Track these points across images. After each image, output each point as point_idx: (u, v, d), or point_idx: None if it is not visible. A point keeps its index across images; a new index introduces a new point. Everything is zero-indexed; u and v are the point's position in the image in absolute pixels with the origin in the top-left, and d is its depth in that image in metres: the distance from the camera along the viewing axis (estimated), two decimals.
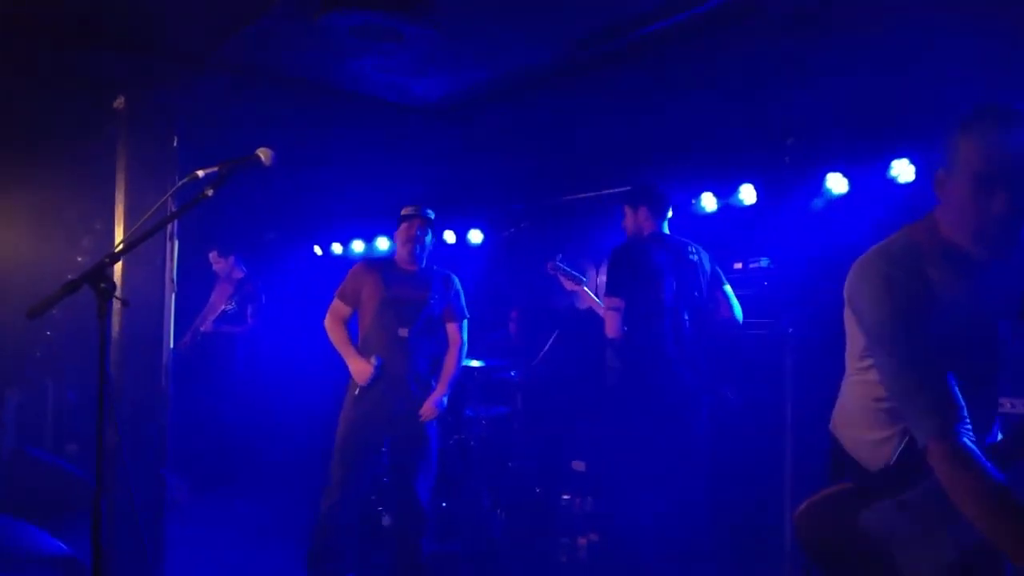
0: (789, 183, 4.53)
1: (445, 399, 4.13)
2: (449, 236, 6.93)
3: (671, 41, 3.31)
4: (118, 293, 2.11)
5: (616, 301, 3.93)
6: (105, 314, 2.08)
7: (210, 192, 2.20)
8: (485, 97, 4.20)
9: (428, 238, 4.15)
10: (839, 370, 1.94)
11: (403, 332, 3.98)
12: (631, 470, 3.97)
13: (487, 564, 4.95)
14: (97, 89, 4.14)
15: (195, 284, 6.07)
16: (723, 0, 2.95)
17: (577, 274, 4.62)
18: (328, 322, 4.13)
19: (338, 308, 4.13)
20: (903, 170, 4.13)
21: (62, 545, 3.74)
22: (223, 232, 6.54)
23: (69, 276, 6.16)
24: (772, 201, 4.57)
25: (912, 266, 1.70)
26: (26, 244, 6.87)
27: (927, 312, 1.66)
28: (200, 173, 2.24)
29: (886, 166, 4.19)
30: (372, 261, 4.27)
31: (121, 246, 2.13)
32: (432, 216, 4.15)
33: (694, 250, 4.02)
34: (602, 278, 5.87)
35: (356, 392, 4.01)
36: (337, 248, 8.17)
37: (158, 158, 4.13)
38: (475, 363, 5.37)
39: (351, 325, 4.18)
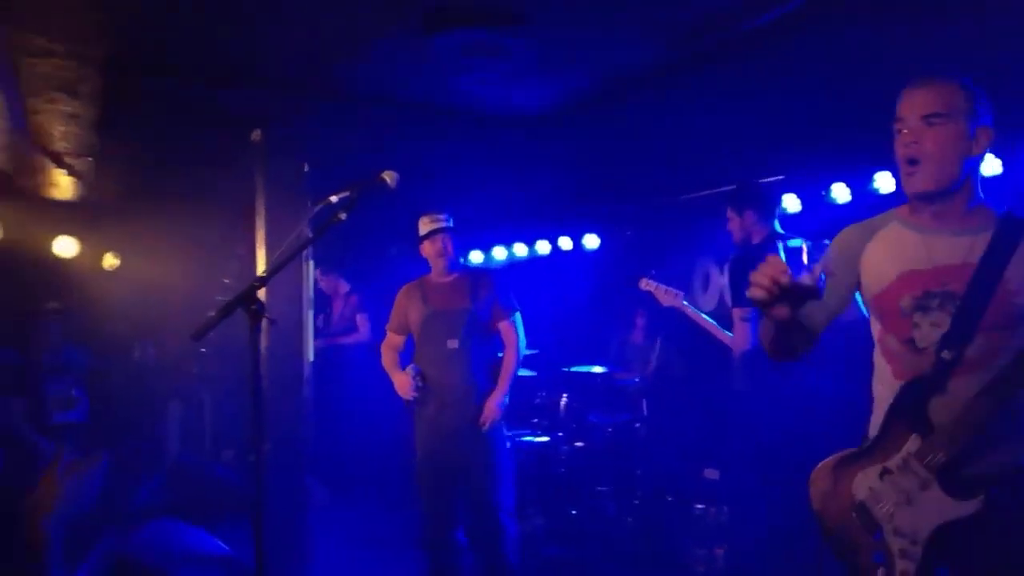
0: None
1: (506, 399, 3.91)
2: (564, 242, 6.98)
3: (782, 30, 3.23)
4: (267, 313, 2.29)
5: (746, 311, 3.82)
6: (256, 333, 2.26)
7: (343, 215, 2.35)
8: (588, 102, 4.25)
9: (458, 245, 4.01)
10: None
11: (452, 344, 3.83)
12: (762, 479, 3.86)
13: (617, 573, 4.93)
14: (236, 124, 4.50)
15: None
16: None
17: (673, 288, 4.50)
18: (382, 353, 4.11)
19: (390, 340, 4.11)
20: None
21: (223, 545, 4.06)
22: (348, 251, 6.88)
23: (217, 297, 6.65)
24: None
25: None
26: (179, 269, 7.50)
27: None
28: (333, 198, 2.40)
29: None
30: (409, 285, 4.11)
31: (267, 270, 2.31)
32: (451, 223, 3.93)
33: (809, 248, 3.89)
34: (724, 279, 5.76)
35: (418, 417, 3.94)
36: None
37: (291, 184, 4.44)
38: (597, 369, 5.39)
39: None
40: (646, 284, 4.52)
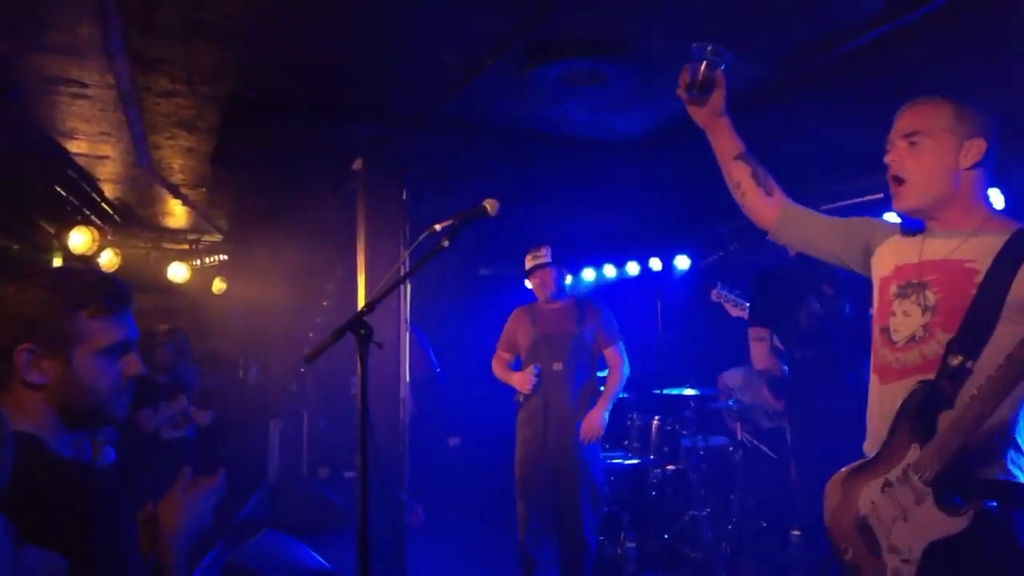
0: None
1: (606, 414, 4.17)
2: (655, 263, 6.95)
3: (884, 49, 3.16)
4: (374, 338, 2.39)
5: (759, 331, 3.91)
6: (365, 356, 2.36)
7: (446, 243, 2.44)
8: (684, 125, 4.21)
9: (562, 276, 4.33)
10: None
11: (557, 366, 4.14)
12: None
13: None
14: (339, 154, 4.71)
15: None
16: (927, 9, 2.78)
17: (742, 300, 4.53)
18: (493, 366, 4.47)
19: (500, 356, 4.48)
20: None
21: (323, 561, 4.21)
22: (440, 271, 7.05)
23: (317, 319, 6.92)
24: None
25: None
26: (285, 292, 7.87)
27: None
28: (437, 227, 2.48)
29: None
30: (519, 308, 4.48)
31: (374, 296, 2.41)
32: (550, 258, 4.24)
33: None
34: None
35: (521, 425, 4.23)
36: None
37: (391, 211, 4.60)
38: (689, 391, 5.32)
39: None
40: (716, 295, 4.65)
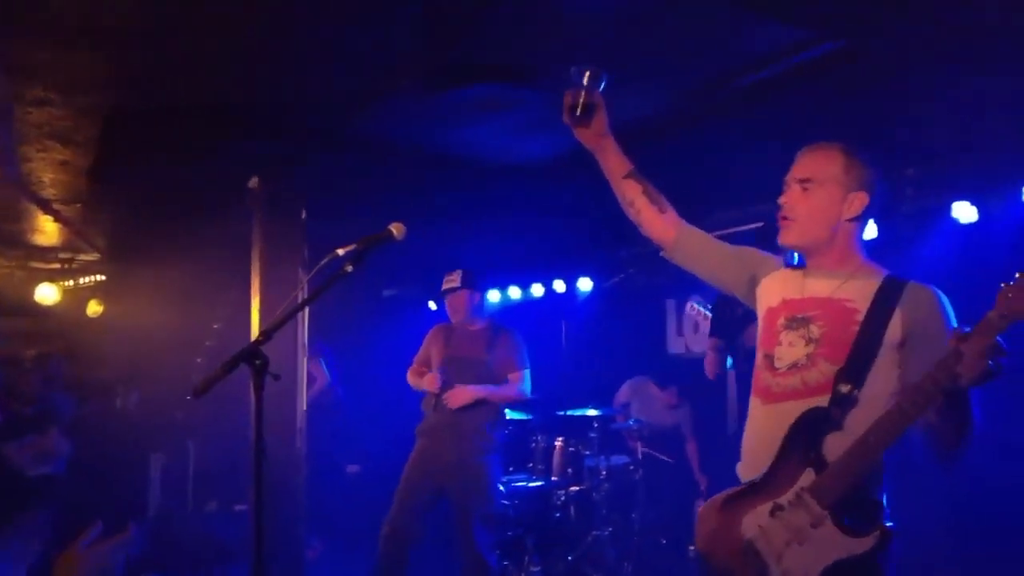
0: (912, 216, 4.37)
1: (477, 392, 4.19)
2: (559, 285, 7.00)
3: (776, 88, 3.31)
4: (271, 369, 2.24)
5: (719, 342, 4.17)
6: (260, 388, 2.21)
7: (350, 268, 2.32)
8: (589, 152, 4.28)
9: (473, 301, 4.40)
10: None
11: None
12: None
13: None
14: (233, 170, 4.48)
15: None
16: (831, 47, 2.93)
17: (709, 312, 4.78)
18: (408, 377, 4.53)
19: (415, 369, 4.53)
20: None
21: None
22: (341, 292, 6.83)
23: (207, 343, 6.55)
24: (893, 235, 4.40)
25: None
26: (170, 314, 7.41)
27: None
28: (340, 252, 2.36)
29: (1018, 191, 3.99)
30: (438, 326, 4.58)
31: (272, 325, 2.27)
32: (469, 284, 4.35)
33: None
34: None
35: (420, 433, 4.34)
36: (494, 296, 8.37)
37: (289, 232, 4.42)
38: (592, 412, 5.35)
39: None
40: (691, 308, 5.02)
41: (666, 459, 5.34)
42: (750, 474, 1.94)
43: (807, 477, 1.78)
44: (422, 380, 4.32)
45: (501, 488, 4.66)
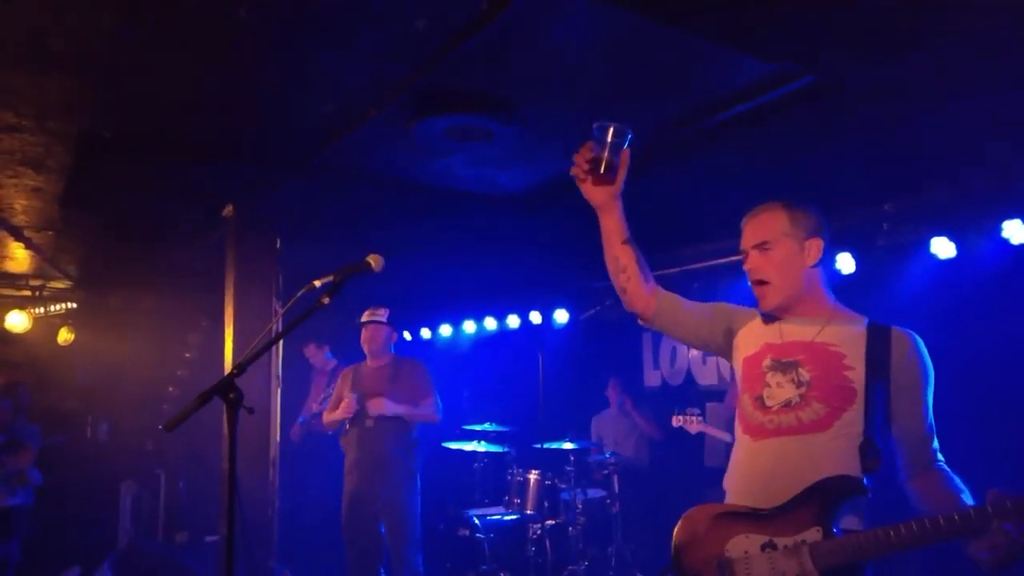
0: (889, 249, 4.42)
1: (393, 407, 4.41)
2: (535, 316, 7.00)
3: (751, 123, 3.35)
4: (245, 402, 2.20)
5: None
6: (235, 423, 2.17)
7: (326, 300, 2.31)
8: (568, 184, 4.28)
9: (391, 339, 4.68)
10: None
11: (369, 422, 4.44)
12: None
13: None
14: (207, 198, 4.46)
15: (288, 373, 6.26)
16: (806, 82, 2.98)
17: (695, 415, 5.05)
18: (324, 418, 4.71)
19: (328, 411, 4.67)
20: (1016, 231, 3.99)
21: None
22: (314, 322, 6.77)
23: (179, 372, 6.45)
24: (871, 268, 4.44)
25: None
26: (141, 342, 7.30)
27: None
28: (317, 283, 2.35)
29: (997, 227, 4.05)
30: (347, 369, 4.80)
31: (246, 357, 2.24)
32: (384, 318, 4.62)
33: None
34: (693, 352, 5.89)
35: (346, 475, 4.51)
36: (426, 333, 8.35)
37: (263, 261, 4.40)
38: (568, 445, 5.32)
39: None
40: (676, 420, 5.09)
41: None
42: (742, 503, 1.97)
43: (814, 534, 1.80)
44: (335, 412, 4.50)
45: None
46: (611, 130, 2.04)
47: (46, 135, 3.53)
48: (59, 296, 7.07)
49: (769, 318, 2.12)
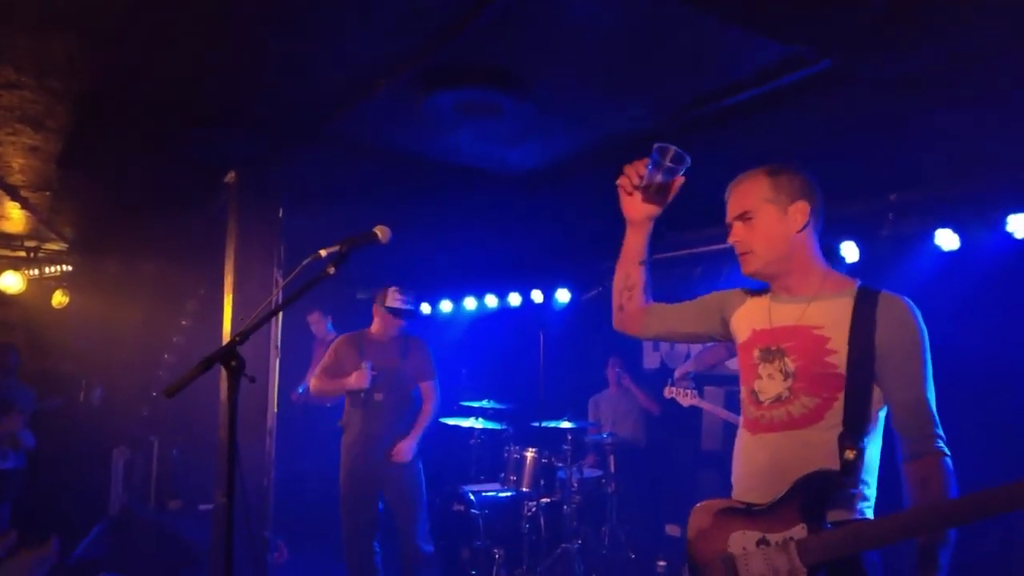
0: (893, 239, 4.40)
1: (415, 445, 4.45)
2: (537, 295, 6.97)
3: (760, 108, 3.32)
4: (246, 371, 2.17)
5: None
6: (236, 391, 2.14)
7: (332, 270, 2.27)
8: (575, 163, 4.27)
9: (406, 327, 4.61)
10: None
11: (379, 396, 4.39)
12: None
13: None
14: (209, 165, 4.39)
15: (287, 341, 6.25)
16: (817, 69, 2.94)
17: (689, 389, 4.91)
18: (314, 385, 4.55)
19: (321, 377, 4.52)
20: (1020, 225, 3.97)
21: None
22: (317, 293, 6.73)
23: (175, 339, 6.41)
24: (875, 258, 4.42)
25: None
26: (138, 308, 7.25)
27: None
28: (323, 252, 2.31)
29: (1002, 221, 4.03)
30: (348, 336, 4.64)
31: (249, 326, 2.20)
32: (416, 308, 4.58)
33: None
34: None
35: (346, 448, 4.46)
36: (426, 308, 8.31)
37: (264, 230, 4.33)
38: (566, 424, 5.32)
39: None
40: (668, 392, 4.96)
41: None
42: (742, 497, 1.98)
43: (799, 531, 1.80)
44: (346, 380, 4.35)
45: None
46: (671, 154, 1.98)
47: (46, 93, 3.46)
48: (54, 258, 6.99)
49: (758, 294, 2.09)
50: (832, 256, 4.14)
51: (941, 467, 1.80)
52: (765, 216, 1.97)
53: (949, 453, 1.82)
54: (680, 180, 2.05)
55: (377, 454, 4.39)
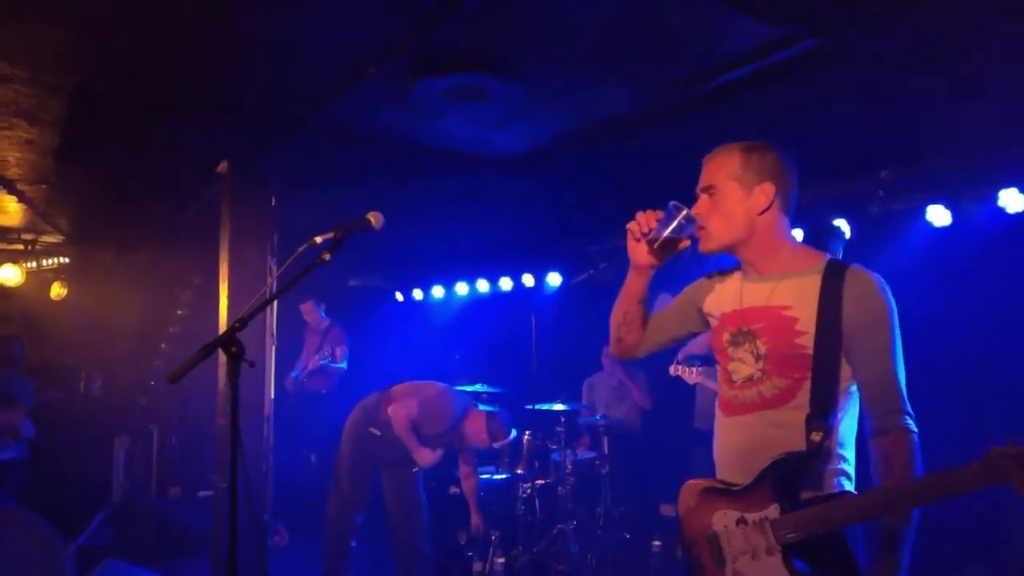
0: (884, 217, 4.44)
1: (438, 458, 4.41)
2: (528, 279, 7.03)
3: (750, 87, 3.35)
4: (245, 357, 2.23)
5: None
6: (236, 376, 2.20)
7: (327, 257, 2.32)
8: (565, 147, 4.30)
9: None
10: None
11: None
12: None
13: None
14: (201, 155, 4.42)
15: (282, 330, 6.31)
16: (805, 46, 2.98)
17: (696, 366, 4.96)
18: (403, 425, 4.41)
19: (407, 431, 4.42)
20: (1012, 200, 4.02)
21: None
22: (312, 281, 6.77)
23: (171, 329, 6.44)
24: (867, 235, 4.47)
25: None
26: (135, 298, 7.30)
27: None
28: (318, 239, 2.36)
29: (993, 196, 4.08)
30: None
31: (248, 312, 2.25)
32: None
33: None
34: None
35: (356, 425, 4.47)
36: (418, 294, 8.37)
37: (258, 219, 4.38)
38: (559, 406, 5.39)
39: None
40: (674, 369, 5.00)
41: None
42: (723, 477, 2.02)
43: (773, 511, 1.84)
44: (419, 453, 4.31)
45: None
46: (684, 213, 1.98)
47: (40, 87, 3.49)
48: (51, 251, 7.03)
49: (728, 273, 2.11)
50: (831, 232, 4.19)
51: (906, 444, 1.80)
52: (729, 194, 1.97)
53: (916, 430, 1.82)
54: (686, 243, 2.03)
55: (389, 446, 4.36)
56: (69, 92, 3.56)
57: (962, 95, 3.52)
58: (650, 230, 2.02)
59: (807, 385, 1.87)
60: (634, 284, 2.20)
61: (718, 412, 2.08)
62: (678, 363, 5.06)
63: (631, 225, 2.08)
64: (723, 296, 2.10)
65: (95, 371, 7.45)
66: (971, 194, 4.18)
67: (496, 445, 4.55)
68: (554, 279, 6.82)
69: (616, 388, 6.11)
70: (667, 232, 2.00)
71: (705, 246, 2.01)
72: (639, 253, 2.10)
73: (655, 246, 2.03)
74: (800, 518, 1.80)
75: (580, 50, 3.06)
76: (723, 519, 1.93)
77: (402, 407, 4.28)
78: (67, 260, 7.08)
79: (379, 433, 4.37)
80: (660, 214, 2.02)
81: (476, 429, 4.41)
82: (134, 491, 6.58)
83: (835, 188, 4.61)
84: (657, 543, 5.34)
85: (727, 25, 2.86)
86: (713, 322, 2.12)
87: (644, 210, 2.06)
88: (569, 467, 5.34)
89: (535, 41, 3.01)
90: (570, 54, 3.09)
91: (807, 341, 1.87)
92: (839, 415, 1.88)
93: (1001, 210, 4.08)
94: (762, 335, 1.94)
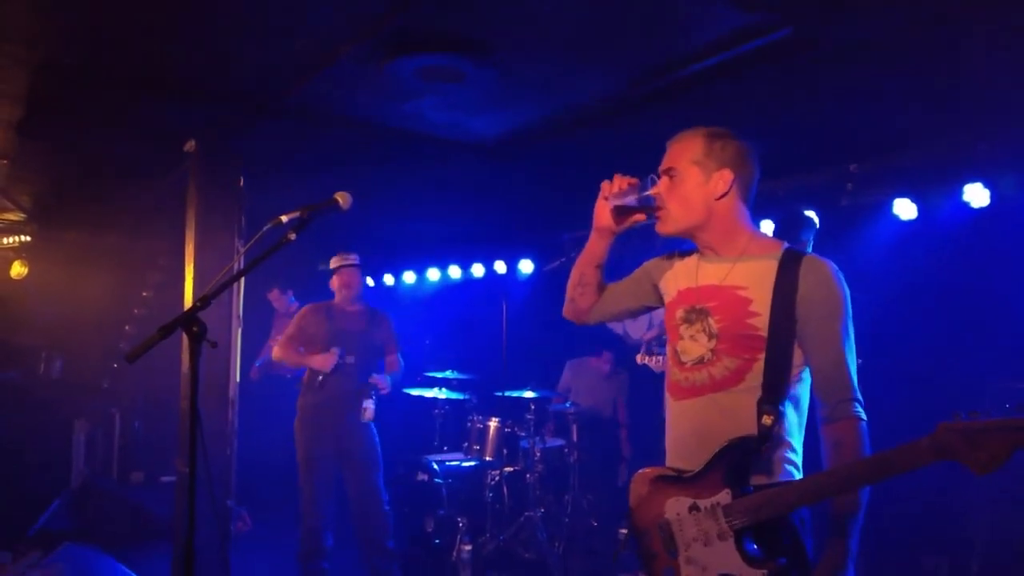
0: (852, 209, 4.50)
1: (389, 379, 4.68)
2: (500, 266, 7.01)
3: (722, 75, 3.35)
4: (208, 336, 2.18)
5: None
6: (197, 356, 2.15)
7: (293, 236, 2.28)
8: (539, 133, 4.29)
9: (364, 282, 4.81)
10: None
11: (350, 359, 4.55)
12: None
13: None
14: (169, 133, 4.33)
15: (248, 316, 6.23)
16: (778, 36, 2.99)
17: (662, 355, 4.89)
18: (276, 353, 4.71)
19: (285, 345, 4.67)
20: (976, 195, 4.08)
21: (133, 574, 3.85)
22: (277, 267, 6.70)
23: (135, 311, 6.34)
24: (834, 228, 4.52)
25: None
26: (98, 279, 7.15)
27: None
28: (284, 218, 2.31)
29: (958, 191, 4.14)
30: (314, 305, 4.79)
31: (210, 291, 2.21)
32: (358, 262, 4.70)
33: None
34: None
35: (308, 408, 4.59)
36: (389, 279, 8.32)
37: (225, 199, 4.30)
38: (529, 394, 5.39)
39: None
40: (641, 358, 5.01)
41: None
42: (674, 464, 2.01)
43: (725, 496, 1.84)
44: (311, 359, 4.53)
45: None
46: (659, 182, 2.02)
47: (3, 59, 3.39)
48: (13, 229, 6.87)
49: (687, 254, 2.13)
50: (802, 222, 4.23)
51: (855, 431, 1.81)
52: (688, 178, 1.98)
53: (865, 418, 1.83)
54: (641, 217, 2.08)
55: (342, 413, 4.51)
56: (34, 66, 3.46)
57: (930, 91, 3.56)
58: (620, 192, 2.06)
59: (757, 367, 1.87)
60: (594, 246, 2.21)
61: (667, 397, 2.06)
62: (645, 352, 5.08)
63: (604, 183, 2.12)
64: (679, 273, 2.11)
65: (55, 352, 7.29)
66: (937, 188, 4.24)
67: (351, 292, 4.63)
68: (526, 266, 6.81)
69: (608, 377, 6.09)
70: (631, 199, 2.04)
71: (663, 227, 2.03)
72: (603, 213, 2.13)
73: (614, 210, 2.08)
74: (752, 502, 1.80)
75: (555, 34, 3.03)
76: (675, 506, 1.92)
77: (275, 342, 4.55)
78: (29, 239, 6.91)
79: (310, 383, 4.57)
80: (636, 181, 2.05)
81: (336, 288, 4.65)
82: (94, 476, 6.46)
83: (805, 180, 4.66)
84: (623, 531, 5.37)
85: (702, 10, 2.85)
86: (667, 298, 2.13)
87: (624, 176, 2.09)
88: (537, 454, 5.34)
89: (509, 24, 2.98)
90: (544, 38, 3.06)
91: (760, 323, 1.88)
92: (789, 400, 1.89)
93: (966, 204, 4.15)
94: (715, 313, 1.95)
